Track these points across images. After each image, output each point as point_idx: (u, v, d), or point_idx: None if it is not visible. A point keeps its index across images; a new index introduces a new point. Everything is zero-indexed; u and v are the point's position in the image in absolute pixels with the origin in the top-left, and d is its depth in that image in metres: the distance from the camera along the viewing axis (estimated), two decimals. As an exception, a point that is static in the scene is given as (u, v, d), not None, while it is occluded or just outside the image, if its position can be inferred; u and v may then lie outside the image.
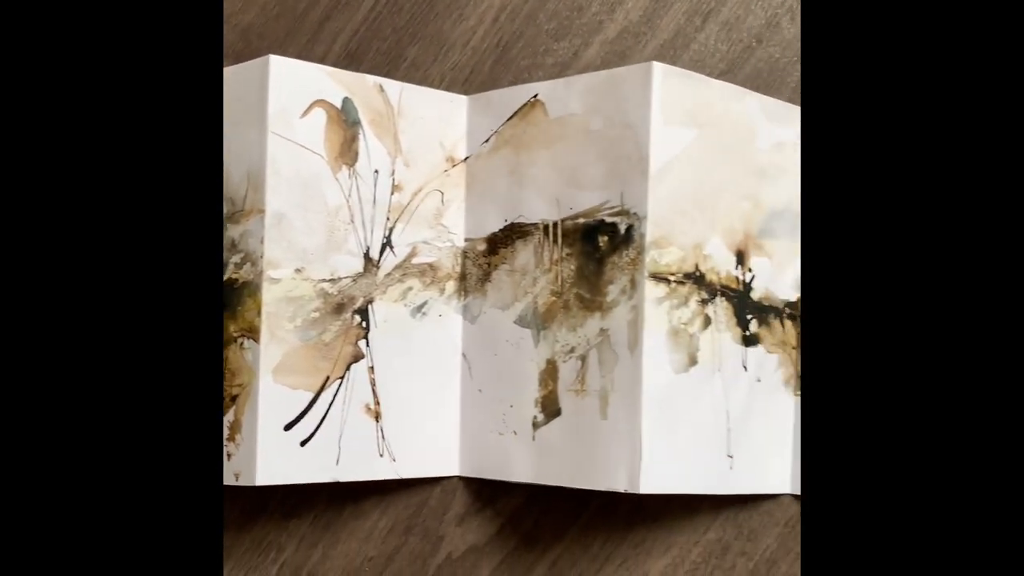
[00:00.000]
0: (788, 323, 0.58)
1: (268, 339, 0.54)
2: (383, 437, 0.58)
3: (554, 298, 0.56)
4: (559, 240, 0.56)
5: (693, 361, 0.54)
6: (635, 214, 0.53)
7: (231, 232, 0.56)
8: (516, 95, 0.58)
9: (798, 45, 0.59)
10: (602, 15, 0.61)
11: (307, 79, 0.56)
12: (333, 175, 0.56)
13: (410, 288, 0.59)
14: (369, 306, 0.58)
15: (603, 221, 0.55)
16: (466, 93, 0.61)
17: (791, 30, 0.59)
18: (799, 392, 0.58)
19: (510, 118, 0.58)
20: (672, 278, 0.54)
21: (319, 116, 0.56)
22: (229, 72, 0.56)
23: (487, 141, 0.59)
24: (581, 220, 0.55)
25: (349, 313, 0.57)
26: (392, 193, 0.58)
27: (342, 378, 0.57)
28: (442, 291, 0.60)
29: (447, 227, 0.60)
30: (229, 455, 0.55)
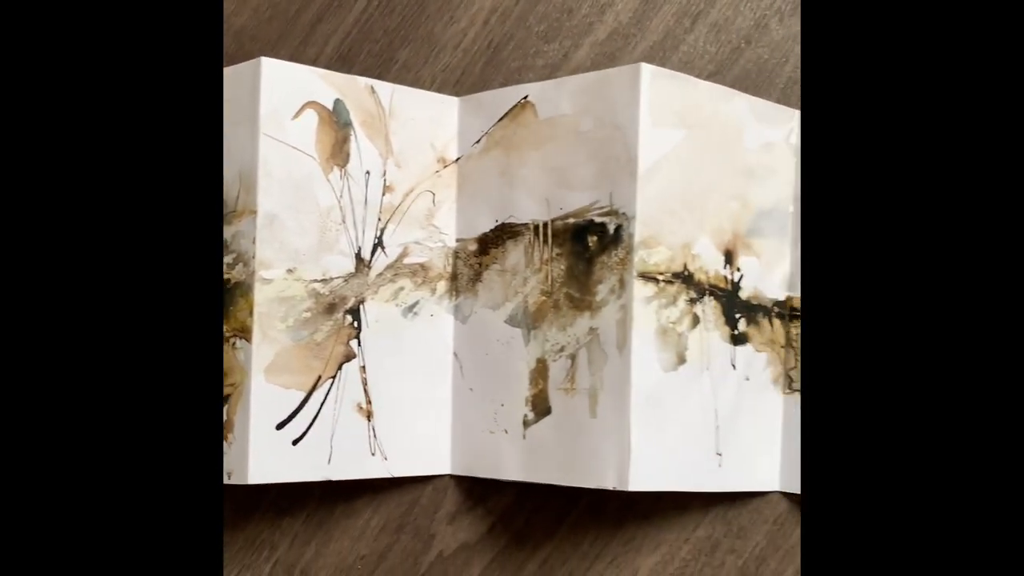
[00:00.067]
0: (777, 322, 0.58)
1: (260, 339, 0.55)
2: (375, 436, 0.59)
3: (544, 298, 0.57)
4: (549, 240, 0.57)
5: (682, 360, 0.55)
6: (624, 214, 0.54)
7: (223, 233, 0.56)
8: (507, 96, 0.59)
9: (786, 46, 0.60)
10: (592, 17, 0.62)
11: (299, 81, 0.56)
12: (325, 176, 0.57)
13: (401, 288, 0.59)
14: (361, 306, 0.58)
15: (592, 221, 0.55)
16: (457, 94, 0.62)
17: (779, 31, 0.60)
18: (787, 390, 0.58)
19: (501, 119, 0.59)
20: (660, 277, 0.54)
21: (311, 117, 0.56)
22: (221, 74, 0.57)
23: (478, 142, 0.60)
24: (571, 220, 0.56)
25: (341, 313, 0.57)
26: (383, 194, 0.59)
27: (334, 377, 0.57)
28: (433, 291, 0.60)
29: (438, 227, 0.60)
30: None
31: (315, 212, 0.56)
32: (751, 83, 0.60)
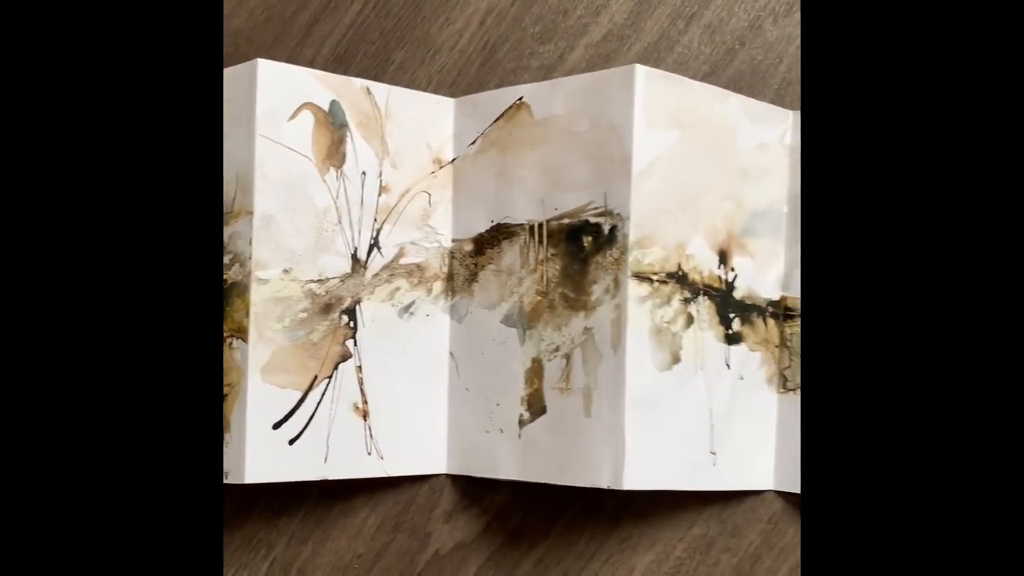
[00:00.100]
0: (771, 322, 0.59)
1: (256, 339, 0.55)
2: (371, 435, 0.59)
3: (539, 298, 0.57)
4: (544, 240, 0.57)
5: (676, 359, 0.55)
6: (618, 214, 0.54)
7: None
8: (502, 97, 0.59)
9: (780, 47, 0.60)
10: (587, 18, 0.62)
11: (295, 82, 0.57)
12: (321, 177, 0.57)
13: (398, 288, 0.60)
14: (357, 306, 0.58)
15: (587, 221, 0.55)
16: (453, 96, 0.62)
17: (773, 32, 0.60)
18: (782, 390, 0.59)
19: (496, 120, 0.59)
20: (655, 277, 0.54)
21: (307, 119, 0.57)
22: (218, 75, 0.57)
23: (474, 143, 0.60)
24: (566, 221, 0.56)
25: (337, 313, 0.58)
26: (379, 194, 0.59)
27: (330, 377, 0.57)
28: (429, 291, 0.60)
29: (434, 228, 0.61)
30: (219, 454, 0.56)
31: (311, 213, 0.57)
32: (745, 84, 0.60)
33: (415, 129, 0.60)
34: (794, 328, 0.58)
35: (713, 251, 0.57)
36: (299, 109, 0.56)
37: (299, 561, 0.63)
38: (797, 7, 0.60)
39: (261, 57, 0.56)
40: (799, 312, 0.58)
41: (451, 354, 0.61)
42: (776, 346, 0.59)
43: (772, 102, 0.59)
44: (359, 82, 0.59)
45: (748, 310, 0.58)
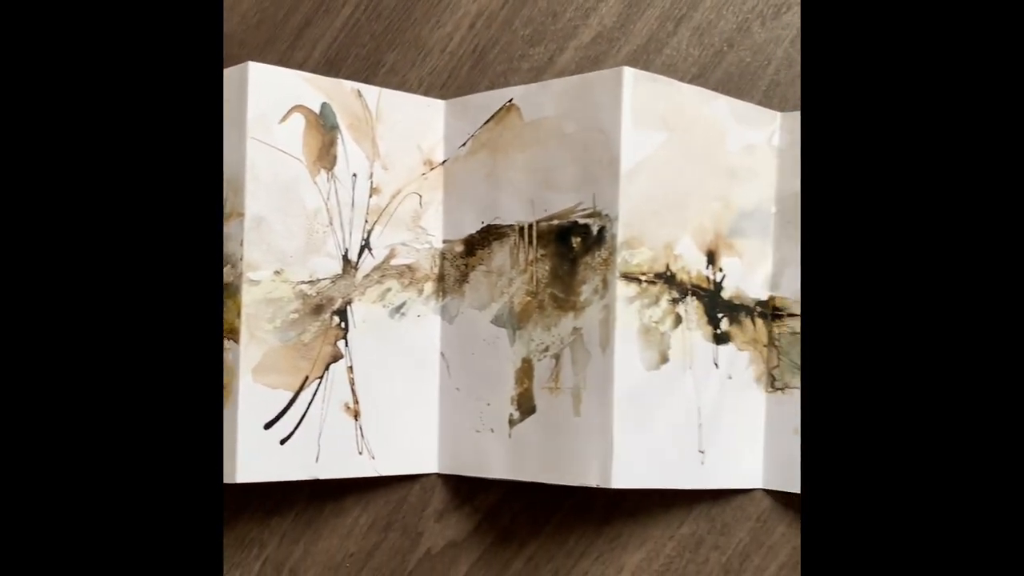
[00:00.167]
0: (759, 321, 0.59)
1: (248, 340, 0.55)
2: (362, 435, 0.59)
3: (529, 298, 0.57)
4: (534, 241, 0.57)
5: (664, 359, 0.55)
6: (607, 215, 0.55)
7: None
8: (492, 99, 0.60)
9: (768, 49, 0.60)
10: (577, 21, 0.62)
11: (286, 85, 0.57)
12: (312, 179, 0.58)
13: (389, 289, 0.60)
14: (348, 307, 0.59)
15: (576, 222, 0.56)
16: (443, 98, 0.62)
17: (761, 35, 0.61)
18: (770, 389, 0.59)
19: (486, 122, 0.60)
20: (643, 278, 0.55)
21: (298, 121, 0.57)
22: (209, 78, 0.58)
23: (464, 145, 0.61)
24: (555, 222, 0.57)
25: (328, 314, 0.58)
26: (370, 196, 0.59)
27: (321, 378, 0.58)
28: (420, 292, 0.61)
29: (425, 229, 0.61)
30: (211, 454, 0.56)
31: (302, 214, 0.57)
32: (733, 86, 0.60)
33: (406, 131, 0.60)
34: (782, 328, 0.59)
35: (701, 251, 0.57)
36: (290, 111, 0.57)
37: (291, 560, 0.63)
38: (785, 10, 0.60)
39: (253, 60, 0.57)
40: (787, 312, 0.59)
41: (442, 354, 0.61)
42: (764, 346, 0.59)
43: (760, 104, 0.60)
44: (350, 84, 0.59)
45: (736, 310, 0.58)
